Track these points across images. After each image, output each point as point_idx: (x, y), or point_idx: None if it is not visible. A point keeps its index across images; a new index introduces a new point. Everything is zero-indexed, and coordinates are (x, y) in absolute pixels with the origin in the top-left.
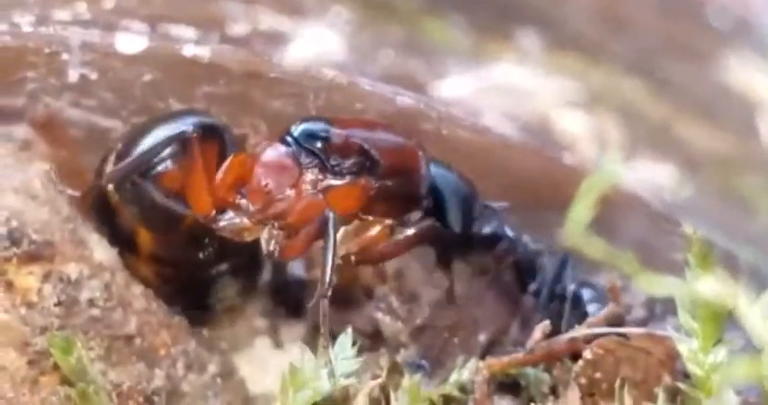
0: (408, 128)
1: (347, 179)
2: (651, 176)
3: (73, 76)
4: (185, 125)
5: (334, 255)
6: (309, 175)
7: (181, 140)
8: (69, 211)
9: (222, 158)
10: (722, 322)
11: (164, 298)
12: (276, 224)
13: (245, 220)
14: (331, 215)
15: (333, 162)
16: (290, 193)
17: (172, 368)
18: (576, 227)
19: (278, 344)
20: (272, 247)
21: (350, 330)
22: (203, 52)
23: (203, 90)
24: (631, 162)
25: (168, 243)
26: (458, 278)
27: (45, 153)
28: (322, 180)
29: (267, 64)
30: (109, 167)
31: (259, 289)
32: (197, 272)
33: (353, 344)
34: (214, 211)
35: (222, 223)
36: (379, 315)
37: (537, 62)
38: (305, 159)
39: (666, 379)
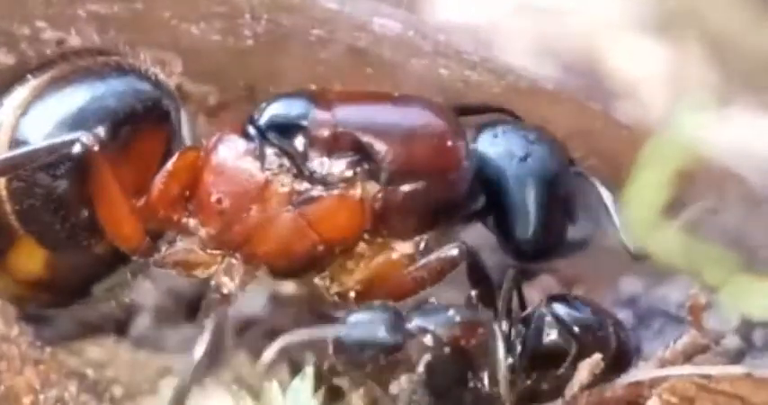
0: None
1: (336, 188)
2: (750, 138)
3: None
4: (86, 118)
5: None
6: (280, 184)
7: (72, 156)
8: None
9: (159, 154)
10: None
11: (31, 319)
12: (237, 255)
13: (196, 249)
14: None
15: (314, 164)
16: (254, 209)
17: None
18: (636, 213)
19: (197, 386)
20: (230, 288)
21: (309, 370)
22: None
23: (88, 9)
24: (724, 117)
25: (65, 266)
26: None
27: None
28: (299, 190)
29: None
30: None
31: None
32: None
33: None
34: (147, 239)
35: (163, 254)
36: None
37: None
38: (273, 160)
39: None
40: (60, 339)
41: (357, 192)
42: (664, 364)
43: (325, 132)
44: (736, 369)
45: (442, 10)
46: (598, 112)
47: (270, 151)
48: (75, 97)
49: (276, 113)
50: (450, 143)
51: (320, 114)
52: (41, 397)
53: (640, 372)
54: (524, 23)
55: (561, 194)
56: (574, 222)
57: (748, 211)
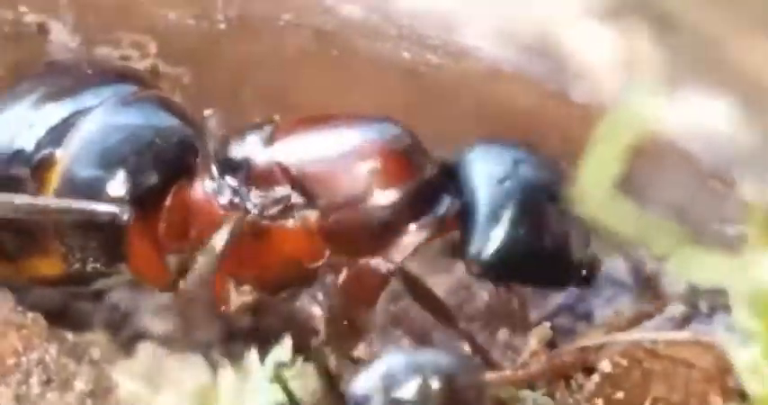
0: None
1: (275, 219)
2: (698, 117)
3: None
4: (118, 190)
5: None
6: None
7: (111, 227)
8: None
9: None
10: None
11: (13, 288)
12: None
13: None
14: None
15: (255, 198)
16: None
17: (23, 384)
18: (590, 187)
19: (174, 352)
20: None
21: (288, 342)
22: None
23: None
24: (672, 96)
25: (78, 275)
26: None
27: None
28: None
29: None
30: None
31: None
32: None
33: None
34: (172, 276)
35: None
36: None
37: None
38: (226, 196)
39: (715, 400)
40: (41, 306)
41: (292, 222)
42: (613, 330)
43: (264, 169)
44: (683, 334)
45: None
46: (554, 92)
47: (225, 188)
48: (129, 128)
49: (229, 153)
50: (393, 165)
51: (262, 152)
52: (24, 359)
53: (591, 337)
54: (486, 11)
55: (533, 222)
56: (544, 251)
57: (695, 185)
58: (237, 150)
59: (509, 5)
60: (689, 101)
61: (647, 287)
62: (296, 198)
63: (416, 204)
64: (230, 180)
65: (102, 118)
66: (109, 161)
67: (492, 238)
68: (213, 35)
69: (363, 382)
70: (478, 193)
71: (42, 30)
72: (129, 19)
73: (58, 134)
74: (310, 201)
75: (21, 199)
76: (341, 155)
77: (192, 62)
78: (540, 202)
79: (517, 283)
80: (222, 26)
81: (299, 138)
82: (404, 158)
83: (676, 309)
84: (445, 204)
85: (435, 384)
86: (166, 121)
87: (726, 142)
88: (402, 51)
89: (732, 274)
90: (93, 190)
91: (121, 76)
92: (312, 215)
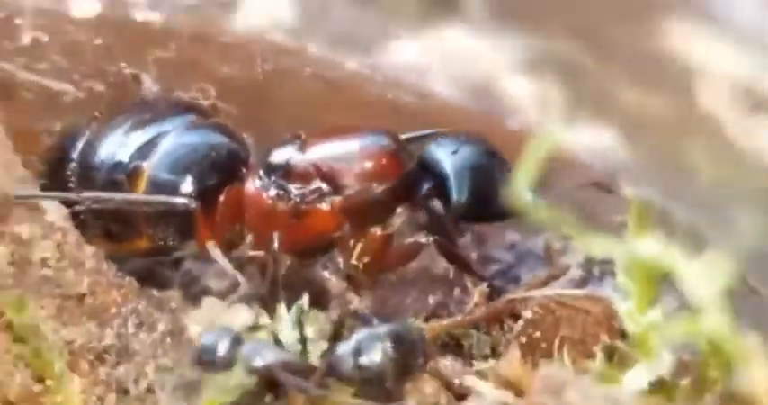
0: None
1: (312, 204)
2: (592, 140)
3: (25, 39)
4: (184, 184)
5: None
6: (279, 206)
7: (184, 215)
8: (23, 173)
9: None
10: (659, 283)
11: (114, 260)
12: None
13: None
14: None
15: (296, 191)
16: (270, 222)
17: (122, 327)
18: (520, 188)
19: (227, 304)
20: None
21: (306, 297)
22: (155, 17)
23: (154, 54)
24: (573, 126)
25: (161, 249)
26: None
27: None
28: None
29: (217, 29)
30: (76, 150)
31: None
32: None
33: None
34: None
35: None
36: (326, 274)
37: (482, 28)
38: (272, 192)
39: (604, 338)
40: (134, 272)
41: (324, 205)
42: (532, 288)
43: (302, 169)
44: (582, 291)
45: (394, 54)
46: (495, 121)
47: (272, 186)
48: (194, 145)
49: (271, 160)
50: (387, 162)
51: (298, 157)
52: (122, 309)
53: (517, 293)
54: (445, 64)
55: (484, 176)
56: (496, 198)
57: (593, 191)
58: (278, 157)
59: (462, 60)
60: (586, 129)
61: (555, 258)
62: (326, 188)
63: (404, 189)
64: (275, 178)
65: (175, 139)
66: (180, 169)
67: (463, 189)
68: (254, 82)
69: (339, 349)
70: (443, 164)
71: (136, 79)
72: (195, 72)
73: (144, 151)
74: (336, 189)
75: (120, 196)
76: (353, 156)
77: (239, 101)
78: (484, 162)
79: (482, 218)
80: (261, 77)
81: (323, 145)
82: (395, 157)
83: (577, 273)
84: (423, 188)
85: (388, 345)
86: (221, 140)
87: (612, 158)
88: (387, 93)
89: (616, 250)
90: (170, 190)
91: (189, 108)
92: (337, 199)
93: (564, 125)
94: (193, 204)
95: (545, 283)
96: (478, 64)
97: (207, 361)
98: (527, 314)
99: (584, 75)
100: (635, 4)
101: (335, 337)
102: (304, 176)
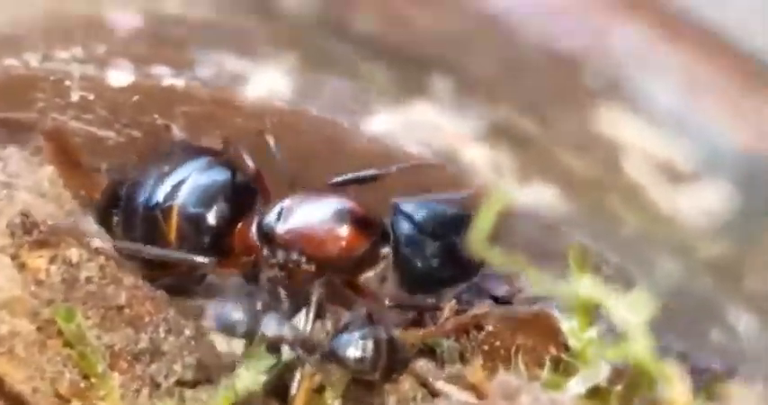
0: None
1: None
2: (537, 197)
3: (74, 97)
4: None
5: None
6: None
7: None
8: (72, 205)
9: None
10: (594, 311)
11: (147, 278)
12: None
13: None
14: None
15: (278, 254)
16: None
17: (155, 332)
18: (478, 237)
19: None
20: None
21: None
22: (179, 83)
23: (180, 109)
24: (524, 185)
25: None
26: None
27: (53, 157)
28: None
29: (230, 95)
30: (122, 195)
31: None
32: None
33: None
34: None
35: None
36: None
37: (446, 103)
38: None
39: (552, 349)
40: (165, 287)
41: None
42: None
43: (280, 239)
44: (533, 309)
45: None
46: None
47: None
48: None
49: (262, 223)
50: (352, 236)
51: (278, 225)
52: (154, 318)
53: (480, 309)
54: (416, 135)
55: (444, 246)
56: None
57: (538, 235)
58: (266, 221)
59: (429, 130)
60: (532, 188)
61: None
62: (302, 259)
63: (370, 258)
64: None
65: (194, 180)
66: (203, 203)
67: (419, 261)
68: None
69: (342, 337)
70: (402, 237)
71: (167, 128)
72: (215, 126)
73: (173, 191)
74: (310, 259)
75: (149, 248)
76: (324, 230)
77: (250, 148)
78: (445, 231)
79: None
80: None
81: (298, 216)
82: (360, 229)
83: (531, 290)
84: (384, 252)
85: (370, 345)
86: (232, 175)
87: (555, 210)
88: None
89: (560, 288)
90: (197, 222)
91: (204, 151)
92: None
93: (513, 185)
94: (211, 262)
95: (505, 300)
96: (443, 134)
97: (229, 326)
98: (489, 327)
99: (532, 144)
100: (575, 88)
101: (341, 329)
102: (284, 245)
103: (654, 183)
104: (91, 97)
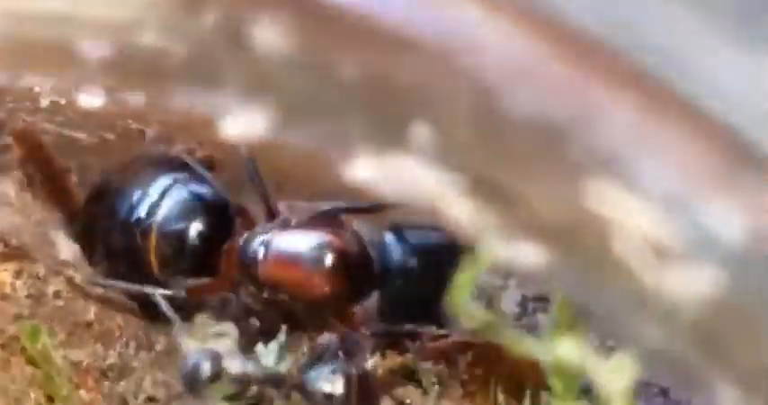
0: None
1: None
2: (522, 253)
3: (44, 103)
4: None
5: None
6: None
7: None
8: (40, 215)
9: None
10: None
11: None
12: None
13: None
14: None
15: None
16: None
17: (124, 348)
18: (458, 294)
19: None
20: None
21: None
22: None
23: (155, 117)
24: (505, 244)
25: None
26: None
27: (22, 156)
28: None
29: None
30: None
31: None
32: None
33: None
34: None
35: None
36: None
37: (429, 158)
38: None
39: (531, 381)
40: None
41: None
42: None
43: (263, 274)
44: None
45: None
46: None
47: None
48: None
49: (244, 250)
50: (332, 280)
51: (260, 264)
52: (125, 331)
53: (459, 337)
54: (396, 188)
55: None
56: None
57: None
58: (250, 249)
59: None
60: (515, 246)
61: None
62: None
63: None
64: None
65: (173, 197)
66: (181, 219)
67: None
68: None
69: (312, 372)
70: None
71: (141, 134)
72: (189, 134)
73: (152, 208)
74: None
75: (122, 284)
76: (306, 267)
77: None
78: (435, 259)
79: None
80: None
81: (282, 258)
82: (351, 264)
83: (514, 309)
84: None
85: (340, 380)
86: (208, 191)
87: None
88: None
89: (541, 352)
90: (176, 237)
91: (181, 165)
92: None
93: (493, 243)
94: (183, 294)
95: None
96: (425, 189)
97: (193, 380)
98: (469, 354)
99: (517, 202)
100: (562, 159)
101: (312, 361)
102: (266, 284)
103: (640, 259)
104: (62, 101)
